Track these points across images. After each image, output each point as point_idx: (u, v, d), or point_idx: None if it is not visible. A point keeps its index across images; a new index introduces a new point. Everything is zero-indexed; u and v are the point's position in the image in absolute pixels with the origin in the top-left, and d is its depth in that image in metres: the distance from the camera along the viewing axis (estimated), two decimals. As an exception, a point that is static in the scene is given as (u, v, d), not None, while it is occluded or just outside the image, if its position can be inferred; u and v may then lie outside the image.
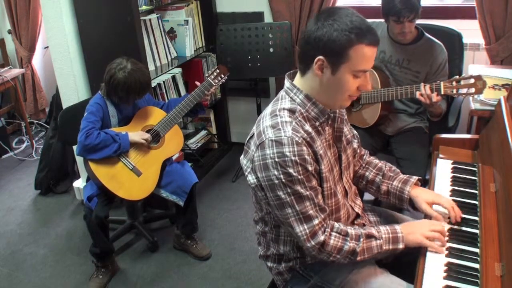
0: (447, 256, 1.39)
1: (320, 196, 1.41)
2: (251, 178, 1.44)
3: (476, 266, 1.34)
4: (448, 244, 1.43)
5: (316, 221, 1.38)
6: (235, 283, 2.48)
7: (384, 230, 1.45)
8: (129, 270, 2.62)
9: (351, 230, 1.44)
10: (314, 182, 1.39)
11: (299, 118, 1.40)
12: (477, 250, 1.40)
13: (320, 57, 1.33)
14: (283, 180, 1.34)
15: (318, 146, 1.41)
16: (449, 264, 1.36)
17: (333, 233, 1.41)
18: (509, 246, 1.28)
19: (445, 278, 1.31)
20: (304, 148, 1.35)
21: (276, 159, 1.33)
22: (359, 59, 1.31)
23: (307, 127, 1.40)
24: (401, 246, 1.43)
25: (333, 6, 3.10)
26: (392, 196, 1.64)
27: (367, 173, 1.71)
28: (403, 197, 1.61)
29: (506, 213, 1.40)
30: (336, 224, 1.44)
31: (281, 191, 1.36)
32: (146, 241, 2.78)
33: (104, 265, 2.52)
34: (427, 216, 1.56)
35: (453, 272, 1.33)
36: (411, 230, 1.45)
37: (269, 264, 1.63)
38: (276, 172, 1.34)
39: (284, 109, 1.40)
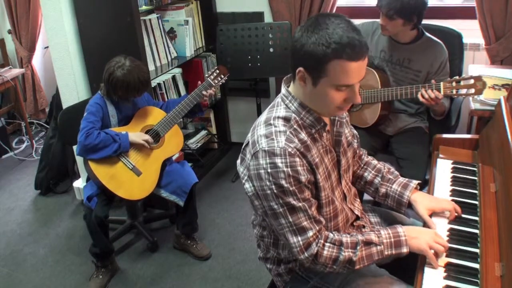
0: (447, 256, 1.39)
1: (314, 208, 1.38)
2: (248, 186, 1.43)
3: (476, 266, 1.34)
4: (448, 244, 1.43)
5: (310, 233, 1.35)
6: (235, 283, 2.48)
7: (385, 234, 1.40)
8: (129, 270, 2.62)
9: (346, 239, 1.39)
10: (307, 194, 1.36)
11: (294, 126, 1.38)
12: (477, 250, 1.40)
13: (300, 68, 1.30)
14: (275, 191, 1.33)
15: (313, 155, 1.39)
16: (449, 264, 1.35)
17: (327, 244, 1.37)
18: (509, 246, 1.28)
19: (445, 278, 1.31)
20: (297, 159, 1.33)
21: (269, 170, 1.32)
22: (338, 74, 1.25)
23: (302, 135, 1.38)
24: (405, 250, 1.38)
25: (332, 9, 3.10)
26: (391, 199, 1.62)
27: (365, 174, 1.70)
28: (402, 201, 1.59)
29: (506, 213, 1.40)
30: (331, 234, 1.40)
31: (274, 201, 1.35)
32: (146, 241, 2.78)
33: (104, 265, 2.52)
34: (425, 224, 1.53)
35: (453, 272, 1.33)
36: (416, 235, 1.39)
37: (268, 265, 1.62)
38: (268, 183, 1.33)
39: (278, 117, 1.39)
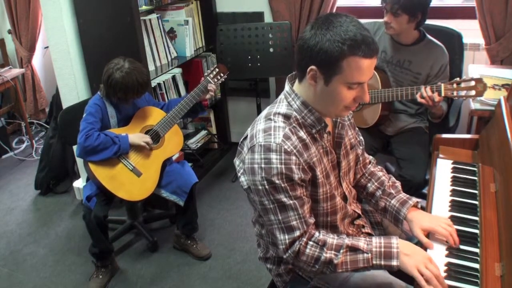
0: (447, 256, 1.39)
1: (306, 207, 1.37)
2: (243, 179, 1.44)
3: (476, 266, 1.34)
4: (448, 244, 1.42)
5: (297, 233, 1.35)
6: (235, 283, 2.48)
7: (375, 243, 1.34)
8: (129, 270, 2.62)
9: (331, 240, 1.36)
10: (299, 192, 1.34)
11: (294, 124, 1.37)
12: (477, 250, 1.40)
13: (313, 67, 1.29)
14: (266, 187, 1.32)
15: (312, 154, 1.38)
16: (449, 264, 1.36)
17: (310, 242, 1.36)
18: (509, 246, 1.28)
19: (445, 278, 1.31)
20: (293, 157, 1.32)
21: (263, 165, 1.32)
22: (352, 72, 1.26)
23: (302, 133, 1.37)
24: (395, 263, 1.31)
25: (332, 9, 3.10)
26: (389, 214, 1.58)
27: (368, 185, 1.65)
28: (398, 218, 1.54)
29: (506, 213, 1.40)
30: (317, 233, 1.38)
31: (265, 197, 1.35)
32: (146, 241, 2.78)
33: (104, 265, 2.52)
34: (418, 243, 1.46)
35: (453, 272, 1.33)
36: (409, 252, 1.32)
37: (268, 266, 1.62)
38: (260, 178, 1.33)
39: (279, 113, 1.38)
